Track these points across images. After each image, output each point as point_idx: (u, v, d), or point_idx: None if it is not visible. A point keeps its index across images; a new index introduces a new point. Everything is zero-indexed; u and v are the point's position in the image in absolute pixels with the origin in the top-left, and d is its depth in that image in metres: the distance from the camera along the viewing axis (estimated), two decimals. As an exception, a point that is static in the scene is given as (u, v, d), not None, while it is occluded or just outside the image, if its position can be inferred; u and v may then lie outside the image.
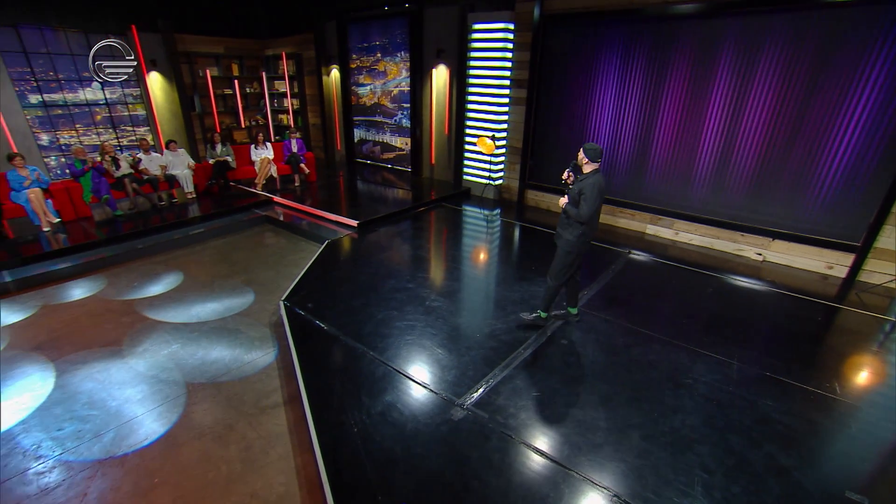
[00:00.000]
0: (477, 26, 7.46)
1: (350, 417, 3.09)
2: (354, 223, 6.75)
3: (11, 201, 6.48)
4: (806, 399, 3.35)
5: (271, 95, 11.61)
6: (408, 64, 9.00)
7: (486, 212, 7.87)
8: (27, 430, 3.20)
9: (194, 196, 8.11)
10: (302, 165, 8.84)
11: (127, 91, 9.69)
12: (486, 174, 8.25)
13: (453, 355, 3.80)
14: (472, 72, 7.87)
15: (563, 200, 3.80)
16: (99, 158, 7.21)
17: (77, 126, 9.25)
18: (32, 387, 3.63)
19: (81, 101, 9.20)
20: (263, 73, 11.26)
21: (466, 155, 8.54)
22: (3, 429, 3.20)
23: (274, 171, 8.75)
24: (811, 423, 3.13)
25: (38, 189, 6.49)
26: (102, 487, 2.77)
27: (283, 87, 11.47)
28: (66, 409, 3.40)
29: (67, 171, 7.91)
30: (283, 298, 4.67)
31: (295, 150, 8.90)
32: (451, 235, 6.85)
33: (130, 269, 5.84)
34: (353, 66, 10.09)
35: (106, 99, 9.47)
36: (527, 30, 7.11)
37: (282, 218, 7.40)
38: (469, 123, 8.25)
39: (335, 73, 10.42)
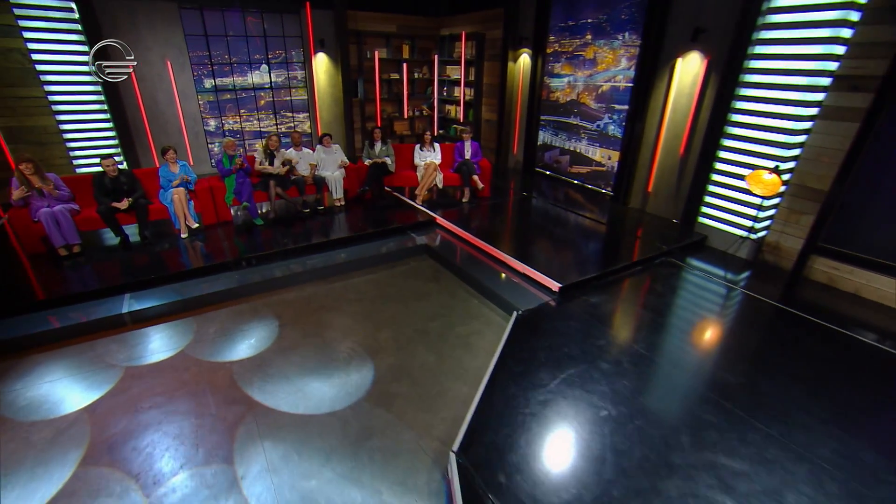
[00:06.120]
0: (785, -11, 4.65)
1: None
2: (555, 287, 4.51)
3: (159, 201, 5.67)
4: None
5: (441, 82, 9.97)
6: (634, 50, 6.46)
7: (731, 276, 5.19)
8: None
9: (343, 203, 6.75)
10: (475, 177, 6.94)
11: (292, 74, 8.83)
12: (749, 223, 5.45)
13: None
14: (752, 63, 5.09)
15: None
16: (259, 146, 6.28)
17: (241, 111, 8.62)
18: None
19: (248, 86, 8.52)
20: (436, 57, 9.64)
21: (710, 189, 5.80)
22: None
23: (439, 180, 7.00)
24: None
25: (182, 190, 5.60)
26: None
27: (456, 73, 9.72)
28: None
29: (214, 165, 7.15)
30: (454, 447, 2.74)
31: (468, 155, 7.03)
32: (712, 320, 4.34)
33: (253, 306, 4.52)
34: (550, 51, 7.83)
35: (271, 82, 8.69)
36: (892, -8, 4.11)
37: (439, 245, 5.57)
38: (727, 144, 5.50)
39: (524, 59, 8.26)
